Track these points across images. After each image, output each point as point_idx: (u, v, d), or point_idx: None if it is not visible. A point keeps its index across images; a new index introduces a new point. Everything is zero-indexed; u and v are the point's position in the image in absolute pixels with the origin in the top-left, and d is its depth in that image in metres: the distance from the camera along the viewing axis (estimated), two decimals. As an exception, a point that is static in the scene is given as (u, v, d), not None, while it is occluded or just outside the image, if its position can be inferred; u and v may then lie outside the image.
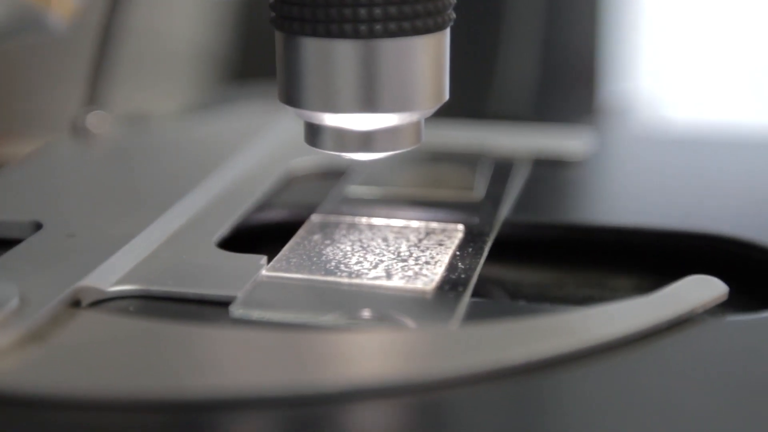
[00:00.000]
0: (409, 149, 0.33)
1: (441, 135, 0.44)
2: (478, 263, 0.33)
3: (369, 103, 0.31)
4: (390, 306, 0.31)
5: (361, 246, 0.35)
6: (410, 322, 0.30)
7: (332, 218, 0.37)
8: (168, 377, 0.27)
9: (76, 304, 0.30)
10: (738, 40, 1.25)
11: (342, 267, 0.33)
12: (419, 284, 0.32)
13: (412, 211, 0.37)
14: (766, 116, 1.16)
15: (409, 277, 0.32)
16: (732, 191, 0.42)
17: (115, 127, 0.46)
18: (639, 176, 0.45)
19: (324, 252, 0.34)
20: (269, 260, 0.33)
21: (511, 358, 0.27)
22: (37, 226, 0.35)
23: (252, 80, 0.65)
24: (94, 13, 0.45)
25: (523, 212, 0.38)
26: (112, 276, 0.32)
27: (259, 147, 0.44)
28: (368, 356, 0.28)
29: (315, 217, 0.37)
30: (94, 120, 0.45)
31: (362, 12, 0.30)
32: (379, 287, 0.32)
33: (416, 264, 0.33)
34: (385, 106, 0.31)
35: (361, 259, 0.34)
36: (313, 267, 0.33)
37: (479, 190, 0.40)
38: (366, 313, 0.30)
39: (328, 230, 0.36)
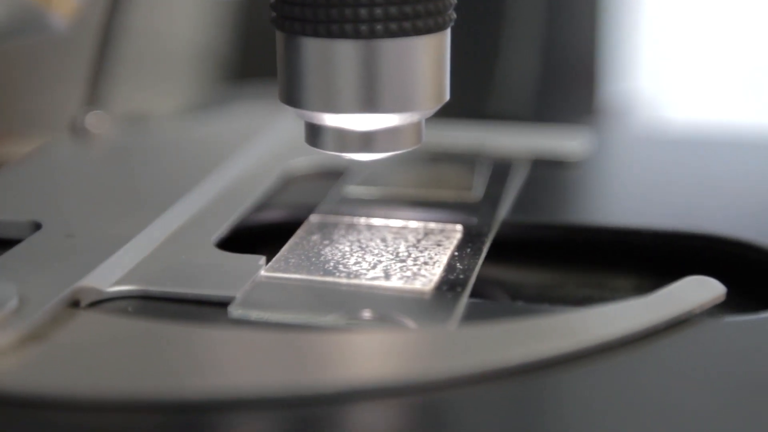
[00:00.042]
0: (409, 149, 0.33)
1: (440, 135, 0.44)
2: (476, 264, 0.33)
3: (370, 104, 0.31)
4: (388, 306, 0.31)
5: (359, 246, 0.35)
6: (408, 323, 0.30)
7: (331, 218, 0.37)
8: (166, 377, 0.27)
9: (75, 304, 0.31)
10: (737, 40, 1.25)
11: (340, 267, 0.33)
12: (417, 285, 0.32)
13: (410, 211, 0.37)
14: (765, 116, 1.16)
15: (408, 277, 0.32)
16: (731, 192, 0.42)
17: (115, 127, 0.46)
18: (637, 176, 0.45)
19: (323, 252, 0.34)
20: (268, 260, 0.33)
21: (509, 358, 0.27)
22: (37, 226, 0.35)
23: (251, 80, 0.65)
24: (94, 13, 0.45)
25: (522, 213, 0.38)
26: (111, 276, 0.32)
27: (258, 147, 0.44)
28: (366, 357, 0.28)
29: (314, 218, 0.37)
30: (93, 120, 0.45)
31: (363, 12, 0.30)
32: (378, 288, 0.32)
33: (415, 264, 0.33)
34: (385, 106, 0.31)
35: (360, 259, 0.34)
36: (312, 267, 0.33)
37: (478, 190, 0.40)
38: (364, 314, 0.30)
39: (326, 230, 0.36)
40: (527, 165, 0.43)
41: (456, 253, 0.34)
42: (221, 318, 0.30)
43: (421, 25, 0.30)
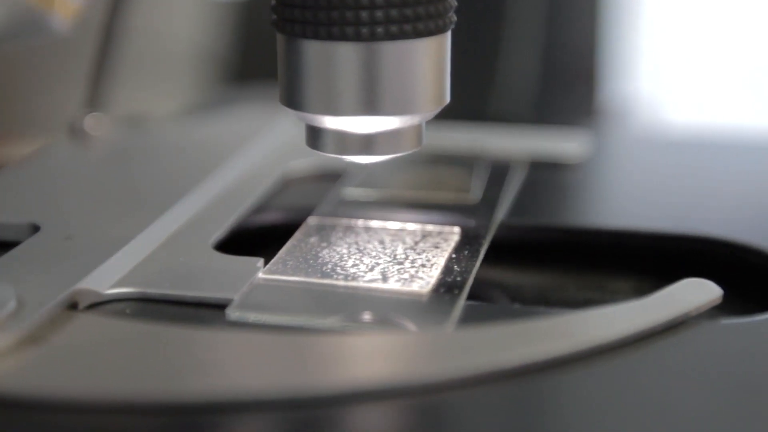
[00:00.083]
0: (410, 152, 0.33)
1: (438, 137, 0.44)
2: (473, 266, 0.33)
3: (370, 106, 0.31)
4: (386, 309, 0.31)
5: (357, 248, 0.35)
6: (406, 325, 0.30)
7: (329, 221, 0.37)
8: (164, 379, 0.27)
9: (73, 306, 0.31)
10: (737, 41, 1.25)
11: (338, 270, 0.33)
12: (415, 287, 0.32)
13: (408, 213, 0.37)
14: (765, 118, 1.16)
15: (405, 279, 0.32)
16: (729, 194, 0.42)
17: (113, 129, 0.46)
18: (636, 179, 0.45)
19: (320, 255, 0.34)
20: (266, 263, 0.33)
21: (506, 360, 0.27)
22: (35, 229, 0.35)
23: (251, 82, 0.65)
24: (94, 15, 0.45)
25: (520, 215, 0.38)
26: (109, 278, 0.32)
27: (256, 149, 0.44)
28: (363, 359, 0.28)
29: (312, 220, 0.37)
30: (92, 122, 0.45)
31: (364, 14, 0.30)
32: (375, 290, 0.32)
33: (412, 267, 0.33)
34: (386, 109, 0.31)
35: (358, 261, 0.34)
36: (310, 270, 0.33)
37: (476, 192, 0.40)
38: (362, 316, 0.30)
39: (324, 233, 0.36)
40: (525, 167, 0.43)
41: (453, 256, 0.34)
42: (219, 320, 0.30)
43: (422, 27, 0.30)
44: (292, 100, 0.32)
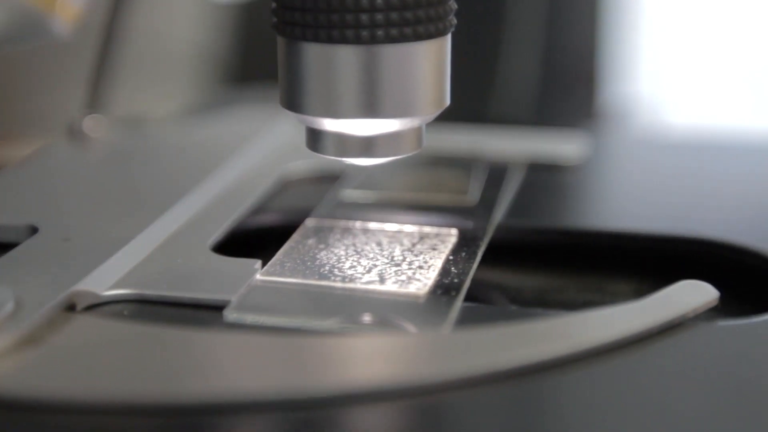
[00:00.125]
0: (410, 155, 0.33)
1: (436, 139, 0.44)
2: (471, 268, 0.33)
3: (370, 109, 0.31)
4: (383, 310, 0.31)
5: (355, 250, 0.35)
6: (403, 327, 0.30)
7: (327, 222, 0.37)
8: (162, 381, 0.27)
9: (71, 308, 0.31)
10: (737, 43, 1.25)
11: (336, 271, 0.33)
12: (412, 289, 0.32)
13: (406, 215, 0.37)
14: (765, 119, 1.16)
15: (403, 281, 0.32)
16: (727, 196, 0.42)
17: (112, 131, 0.46)
18: (633, 180, 0.45)
19: (318, 256, 0.34)
20: (263, 264, 0.33)
21: (502, 362, 0.27)
22: (33, 230, 0.35)
23: (251, 83, 0.65)
24: (94, 17, 0.45)
25: (517, 217, 0.38)
26: (107, 280, 0.32)
27: (255, 150, 0.44)
28: (360, 360, 0.28)
29: (309, 221, 0.37)
30: (91, 123, 0.45)
31: (364, 17, 0.30)
32: (373, 292, 0.32)
33: (409, 268, 0.33)
34: (386, 111, 0.31)
35: (355, 263, 0.34)
36: (307, 271, 0.33)
37: (473, 194, 0.40)
38: (359, 318, 0.30)
39: (322, 234, 0.36)
40: (523, 169, 0.43)
41: (451, 258, 0.34)
42: (217, 322, 0.30)
43: (422, 30, 0.30)
44: (293, 102, 0.32)
